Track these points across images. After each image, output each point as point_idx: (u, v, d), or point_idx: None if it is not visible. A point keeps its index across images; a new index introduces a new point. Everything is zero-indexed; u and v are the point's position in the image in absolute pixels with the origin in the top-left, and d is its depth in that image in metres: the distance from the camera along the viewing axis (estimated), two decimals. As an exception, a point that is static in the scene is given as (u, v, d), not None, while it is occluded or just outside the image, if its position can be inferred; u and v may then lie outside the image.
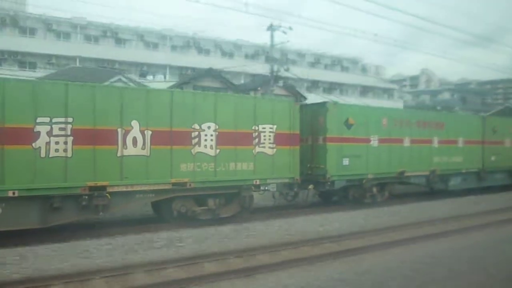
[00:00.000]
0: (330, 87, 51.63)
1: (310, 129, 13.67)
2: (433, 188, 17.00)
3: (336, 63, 57.90)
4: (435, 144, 16.46)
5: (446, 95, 77.63)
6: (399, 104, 45.82)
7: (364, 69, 59.42)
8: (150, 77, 41.59)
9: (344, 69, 58.20)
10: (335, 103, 14.18)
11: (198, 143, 10.90)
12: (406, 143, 15.53)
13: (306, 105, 13.75)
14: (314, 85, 48.96)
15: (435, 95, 79.24)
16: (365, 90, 53.50)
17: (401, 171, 15.30)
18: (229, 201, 11.74)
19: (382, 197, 15.13)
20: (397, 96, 39.96)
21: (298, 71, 33.46)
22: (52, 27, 44.19)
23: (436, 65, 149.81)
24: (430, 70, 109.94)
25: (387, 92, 45.30)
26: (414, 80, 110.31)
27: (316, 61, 55.99)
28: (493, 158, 18.65)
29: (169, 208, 10.94)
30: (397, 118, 15.40)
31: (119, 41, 46.85)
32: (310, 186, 13.62)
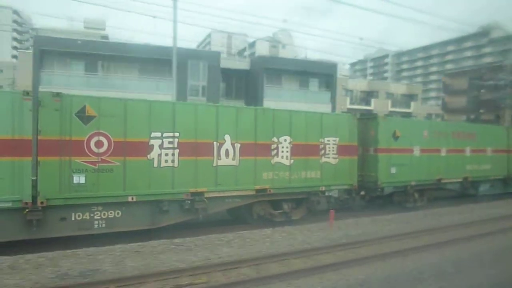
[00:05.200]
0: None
1: (361, 140, 15.07)
2: (465, 194, 18.50)
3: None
4: (468, 153, 17.98)
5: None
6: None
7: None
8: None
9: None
10: (384, 117, 15.64)
11: (277, 154, 12.32)
12: (443, 152, 17.02)
13: (358, 118, 15.13)
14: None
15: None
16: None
17: (439, 178, 16.82)
18: (299, 205, 13.16)
19: (422, 202, 16.62)
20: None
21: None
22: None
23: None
24: (288, 32, 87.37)
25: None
26: (251, 47, 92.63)
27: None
28: (517, 166, 20.20)
29: (250, 212, 12.35)
30: (436, 130, 16.90)
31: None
32: (362, 192, 15.06)
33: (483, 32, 57.07)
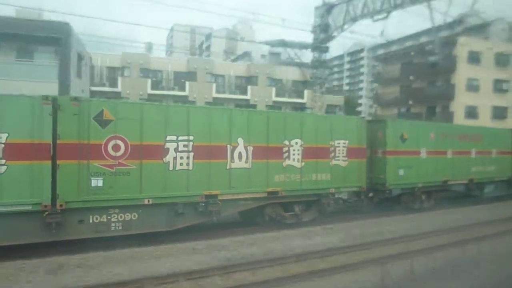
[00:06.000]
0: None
1: (369, 142, 15.22)
2: (470, 195, 18.69)
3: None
4: (473, 155, 18.18)
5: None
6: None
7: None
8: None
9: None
10: (393, 120, 15.81)
11: (288, 157, 12.48)
12: (449, 154, 17.22)
13: (367, 121, 15.29)
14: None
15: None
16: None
17: (445, 180, 17.00)
18: (309, 207, 13.32)
19: (428, 203, 16.81)
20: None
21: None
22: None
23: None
24: (249, 24, 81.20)
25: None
26: (208, 39, 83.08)
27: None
28: (521, 167, 20.38)
29: (261, 214, 12.51)
30: (443, 132, 17.09)
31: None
32: (371, 194, 15.22)
33: (459, 21, 54.22)
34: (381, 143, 15.16)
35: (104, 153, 9.75)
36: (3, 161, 8.72)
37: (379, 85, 48.87)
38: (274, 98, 38.87)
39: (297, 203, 12.93)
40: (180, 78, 37.03)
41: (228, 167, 11.41)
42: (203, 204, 11.02)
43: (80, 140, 9.50)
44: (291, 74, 41.24)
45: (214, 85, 37.72)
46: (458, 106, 37.01)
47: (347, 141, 13.72)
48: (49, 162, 9.18)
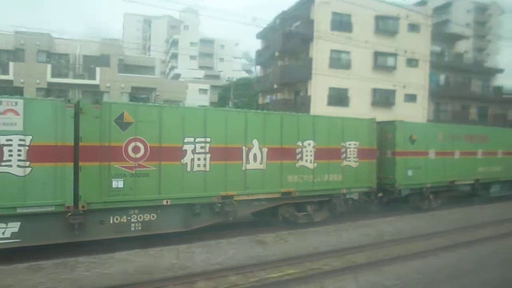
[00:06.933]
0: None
1: (378, 144, 15.41)
2: (475, 195, 18.91)
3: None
4: (479, 155, 18.40)
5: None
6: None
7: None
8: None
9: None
10: (401, 121, 16.00)
11: (301, 158, 12.69)
12: (456, 155, 17.43)
13: (377, 122, 15.49)
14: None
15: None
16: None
17: (452, 180, 17.22)
18: (321, 207, 13.53)
19: (436, 204, 17.03)
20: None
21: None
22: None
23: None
24: (195, 12, 74.36)
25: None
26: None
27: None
28: (526, 167, 20.59)
29: (275, 214, 12.72)
30: (450, 133, 17.30)
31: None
32: (380, 194, 15.42)
33: (421, 3, 51.88)
34: (391, 144, 15.37)
35: (124, 155, 9.93)
36: (27, 163, 8.90)
37: (261, 66, 38.20)
38: (49, 79, 30.25)
39: (310, 203, 13.14)
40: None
41: (243, 168, 11.61)
42: (220, 204, 11.22)
43: (102, 142, 9.69)
44: (85, 48, 32.49)
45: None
46: (316, 89, 27.17)
47: (358, 142, 13.94)
48: (72, 164, 9.37)
